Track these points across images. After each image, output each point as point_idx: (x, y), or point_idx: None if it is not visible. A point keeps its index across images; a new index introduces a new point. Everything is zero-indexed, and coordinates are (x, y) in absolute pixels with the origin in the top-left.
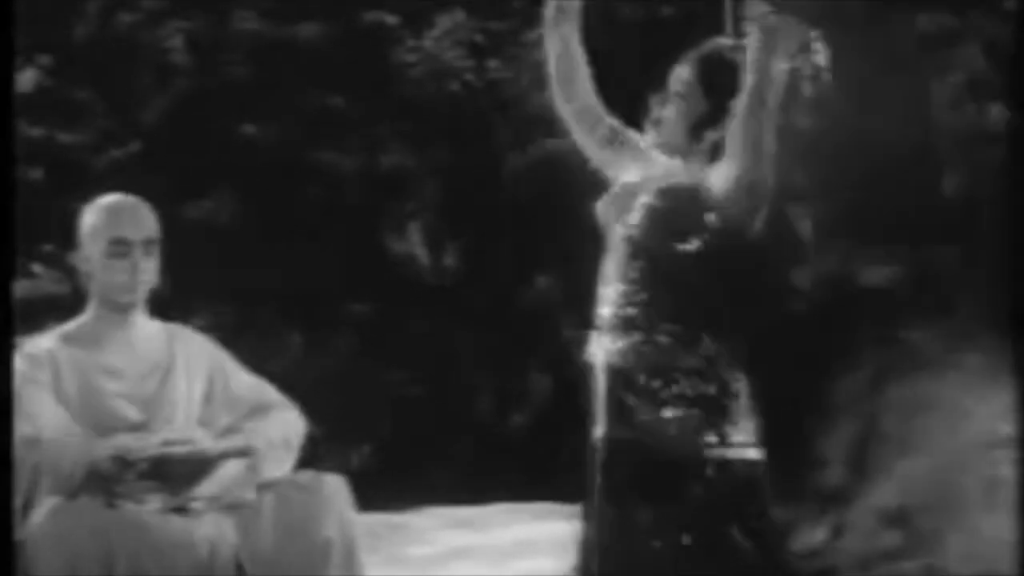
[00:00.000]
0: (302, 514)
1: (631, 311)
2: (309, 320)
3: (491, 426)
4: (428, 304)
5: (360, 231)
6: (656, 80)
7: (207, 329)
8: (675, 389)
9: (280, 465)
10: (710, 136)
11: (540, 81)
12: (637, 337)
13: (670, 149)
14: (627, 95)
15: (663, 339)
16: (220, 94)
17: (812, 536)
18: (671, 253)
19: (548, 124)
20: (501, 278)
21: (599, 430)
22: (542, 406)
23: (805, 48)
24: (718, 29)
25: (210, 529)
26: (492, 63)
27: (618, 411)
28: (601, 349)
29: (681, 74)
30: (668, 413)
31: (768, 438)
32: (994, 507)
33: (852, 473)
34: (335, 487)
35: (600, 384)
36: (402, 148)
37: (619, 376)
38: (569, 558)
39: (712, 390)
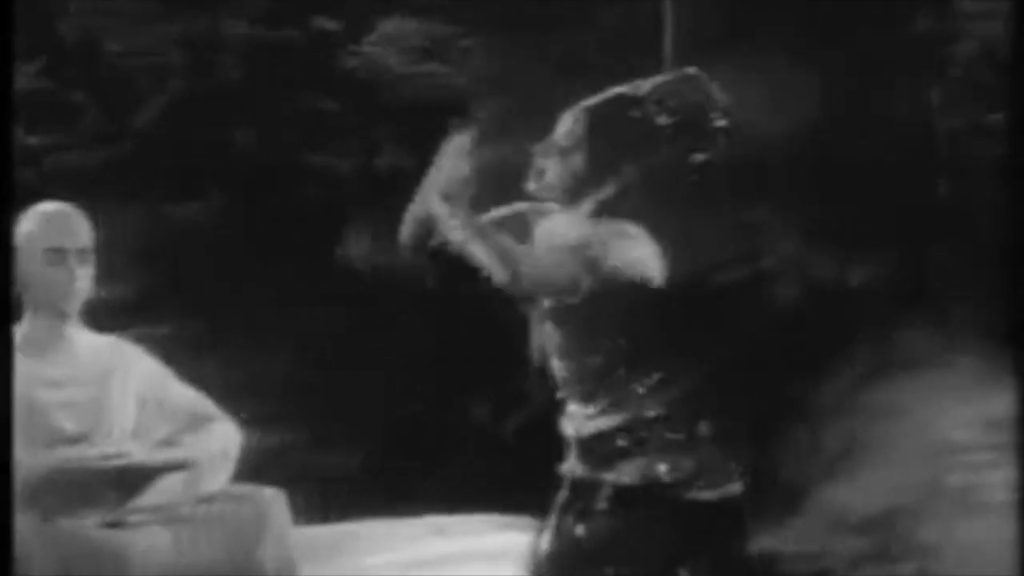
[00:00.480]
0: (239, 528)
1: (583, 379)
2: (283, 327)
3: (471, 433)
4: (403, 313)
5: (333, 236)
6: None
7: (174, 337)
8: (643, 438)
9: (218, 478)
10: (592, 196)
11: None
12: (599, 403)
13: (553, 201)
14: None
15: (624, 397)
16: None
17: (774, 542)
18: (590, 315)
19: (488, 132)
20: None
21: (567, 468)
22: (516, 415)
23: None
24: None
25: (146, 543)
26: (431, 67)
27: (587, 459)
28: (570, 421)
29: (567, 125)
30: (638, 461)
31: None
32: (953, 513)
33: (815, 478)
34: (273, 500)
35: (572, 446)
36: (393, 150)
37: (590, 440)
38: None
39: (680, 436)
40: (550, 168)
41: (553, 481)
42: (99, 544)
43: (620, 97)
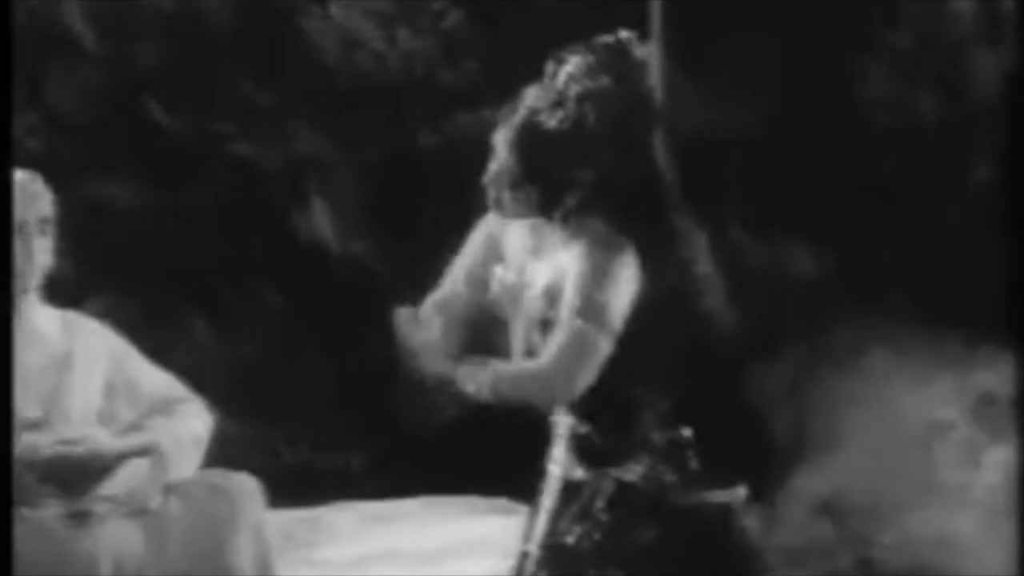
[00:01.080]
0: (212, 518)
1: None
2: (218, 307)
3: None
4: (339, 291)
5: (268, 214)
6: None
7: (112, 315)
8: (646, 436)
9: (187, 464)
10: (560, 208)
11: (453, 53)
12: (599, 410)
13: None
14: None
15: (626, 399)
16: (126, 74)
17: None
18: None
19: (463, 99)
20: (415, 262)
21: (559, 467)
22: (462, 397)
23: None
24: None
25: (113, 538)
26: (403, 33)
27: (584, 457)
28: (561, 423)
29: (502, 154)
30: (642, 459)
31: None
32: (930, 500)
33: (783, 466)
34: (247, 487)
35: (560, 445)
36: (312, 128)
37: (588, 436)
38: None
39: (683, 435)
40: (506, 198)
41: (525, 464)
42: (63, 538)
43: (537, 108)
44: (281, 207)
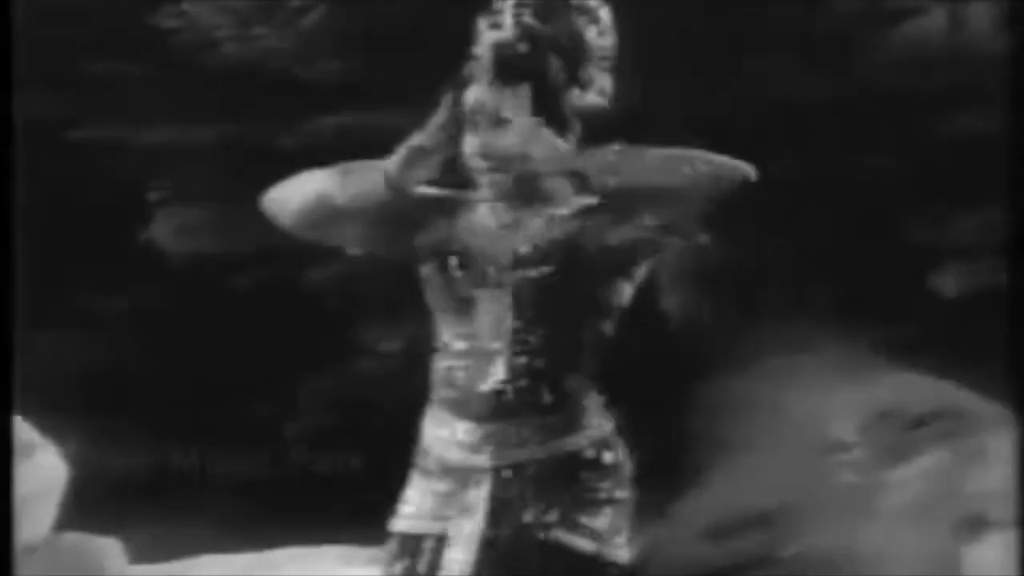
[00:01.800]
0: None
1: (528, 383)
2: (60, 316)
3: (264, 441)
4: (213, 301)
5: (115, 216)
6: None
7: None
8: (587, 464)
9: (40, 523)
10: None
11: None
12: (537, 420)
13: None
14: None
15: (572, 410)
16: None
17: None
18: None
19: (323, 97)
20: (273, 270)
21: (464, 515)
22: (320, 420)
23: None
24: None
25: None
26: (259, 30)
27: (501, 511)
28: (479, 445)
29: (498, 108)
30: (576, 506)
31: None
32: (835, 514)
33: (677, 481)
34: (106, 550)
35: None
36: (211, 120)
37: (512, 475)
38: None
39: (607, 494)
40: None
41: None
42: None
43: (504, 43)
44: (133, 208)
